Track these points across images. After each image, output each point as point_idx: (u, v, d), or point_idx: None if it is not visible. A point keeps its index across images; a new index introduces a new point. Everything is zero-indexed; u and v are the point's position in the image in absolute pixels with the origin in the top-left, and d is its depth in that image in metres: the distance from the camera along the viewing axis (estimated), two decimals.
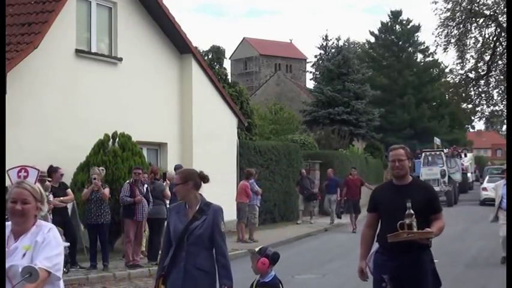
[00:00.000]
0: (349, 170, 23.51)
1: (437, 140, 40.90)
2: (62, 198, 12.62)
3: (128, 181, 13.19)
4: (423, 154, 35.29)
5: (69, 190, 13.09)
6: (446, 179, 33.29)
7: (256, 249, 5.88)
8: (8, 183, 9.74)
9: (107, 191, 12.81)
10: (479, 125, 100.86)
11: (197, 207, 5.50)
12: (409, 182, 5.76)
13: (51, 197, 12.01)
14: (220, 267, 5.39)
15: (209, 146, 19.04)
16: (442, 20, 37.95)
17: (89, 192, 12.65)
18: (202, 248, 5.41)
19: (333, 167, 25.16)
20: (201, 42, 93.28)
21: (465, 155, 43.52)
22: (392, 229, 5.42)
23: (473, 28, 38.21)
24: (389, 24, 61.02)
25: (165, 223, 14.66)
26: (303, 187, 23.28)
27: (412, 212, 5.37)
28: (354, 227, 20.64)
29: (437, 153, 35.54)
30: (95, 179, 12.67)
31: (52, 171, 12.87)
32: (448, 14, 37.50)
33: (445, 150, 36.81)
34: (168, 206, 14.60)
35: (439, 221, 5.65)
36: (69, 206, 13.26)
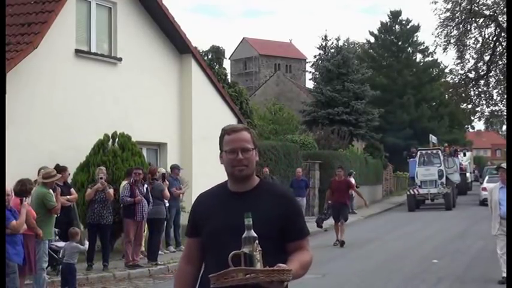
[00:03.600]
0: (347, 171, 22.15)
1: (433, 138, 38.30)
2: (68, 197, 12.60)
3: (126, 181, 13.18)
4: (419, 153, 32.50)
5: (72, 190, 13.06)
6: (444, 180, 31.21)
7: None
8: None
9: (111, 191, 12.79)
10: (479, 125, 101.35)
11: None
12: (253, 187, 3.39)
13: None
14: None
15: (209, 146, 18.93)
16: (441, 20, 38.07)
17: (94, 191, 12.61)
18: None
19: (332, 167, 25.05)
20: (200, 42, 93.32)
21: (464, 155, 43.12)
22: (222, 265, 3.07)
23: (473, 28, 38.35)
24: (388, 24, 61.01)
25: (165, 223, 14.79)
26: None
27: (253, 234, 3.06)
28: (337, 238, 17.24)
29: (434, 151, 32.92)
30: (101, 178, 12.65)
31: (61, 170, 12.86)
32: (448, 14, 37.62)
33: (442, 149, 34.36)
34: (167, 206, 14.67)
35: (302, 253, 3.30)
36: None
